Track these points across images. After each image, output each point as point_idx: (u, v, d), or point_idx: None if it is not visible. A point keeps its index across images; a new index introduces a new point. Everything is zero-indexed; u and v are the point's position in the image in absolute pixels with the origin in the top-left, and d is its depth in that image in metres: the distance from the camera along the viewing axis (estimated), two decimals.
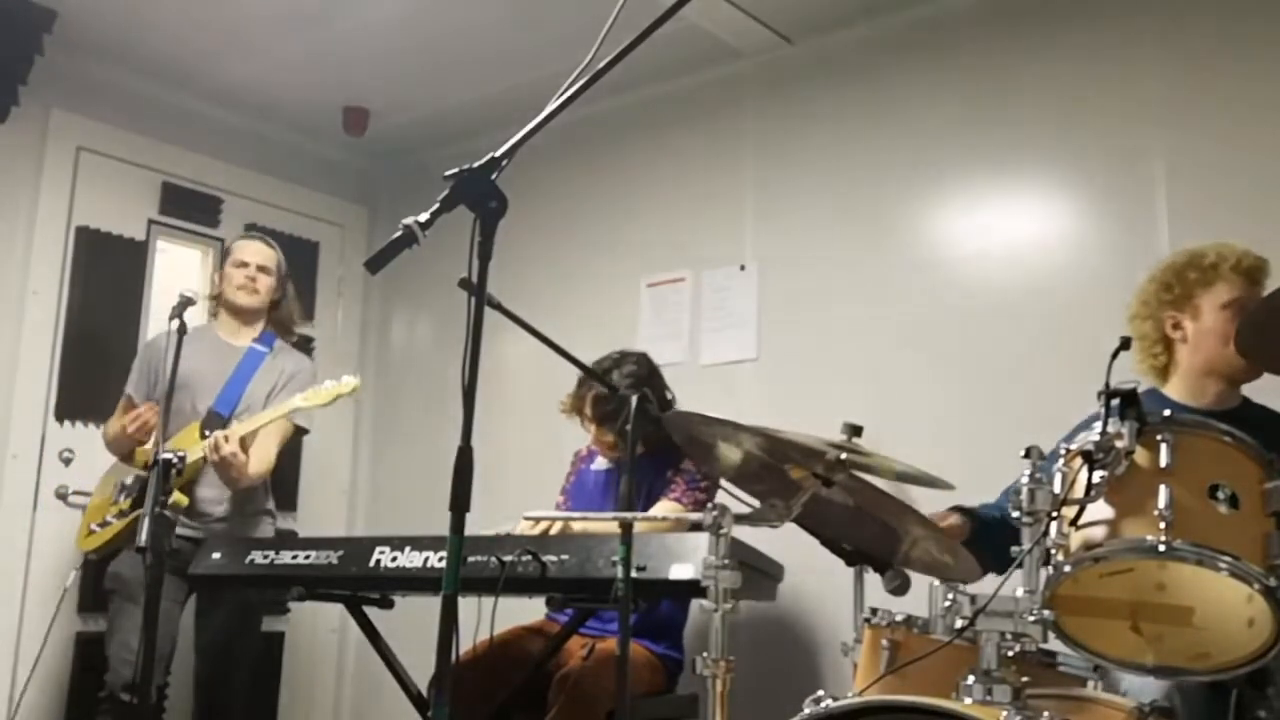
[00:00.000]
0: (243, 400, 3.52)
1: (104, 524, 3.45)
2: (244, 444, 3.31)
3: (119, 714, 3.20)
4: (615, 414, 3.12)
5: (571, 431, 3.41)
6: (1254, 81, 2.96)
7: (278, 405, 3.40)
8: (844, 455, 1.99)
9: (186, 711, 3.60)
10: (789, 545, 2.92)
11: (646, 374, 3.21)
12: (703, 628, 2.86)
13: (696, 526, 2.77)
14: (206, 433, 3.37)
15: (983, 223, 3.37)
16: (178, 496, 3.16)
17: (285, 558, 2.97)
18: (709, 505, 2.00)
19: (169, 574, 2.99)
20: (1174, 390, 2.49)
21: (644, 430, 2.53)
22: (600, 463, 3.39)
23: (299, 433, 3.68)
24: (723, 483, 2.22)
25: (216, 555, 3.12)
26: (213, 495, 3.46)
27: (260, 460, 3.45)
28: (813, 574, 3.09)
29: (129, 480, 3.46)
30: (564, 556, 2.54)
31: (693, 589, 2.29)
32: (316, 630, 4.61)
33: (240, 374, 3.53)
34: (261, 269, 3.66)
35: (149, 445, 3.34)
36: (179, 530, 2.95)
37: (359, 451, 4.90)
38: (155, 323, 4.19)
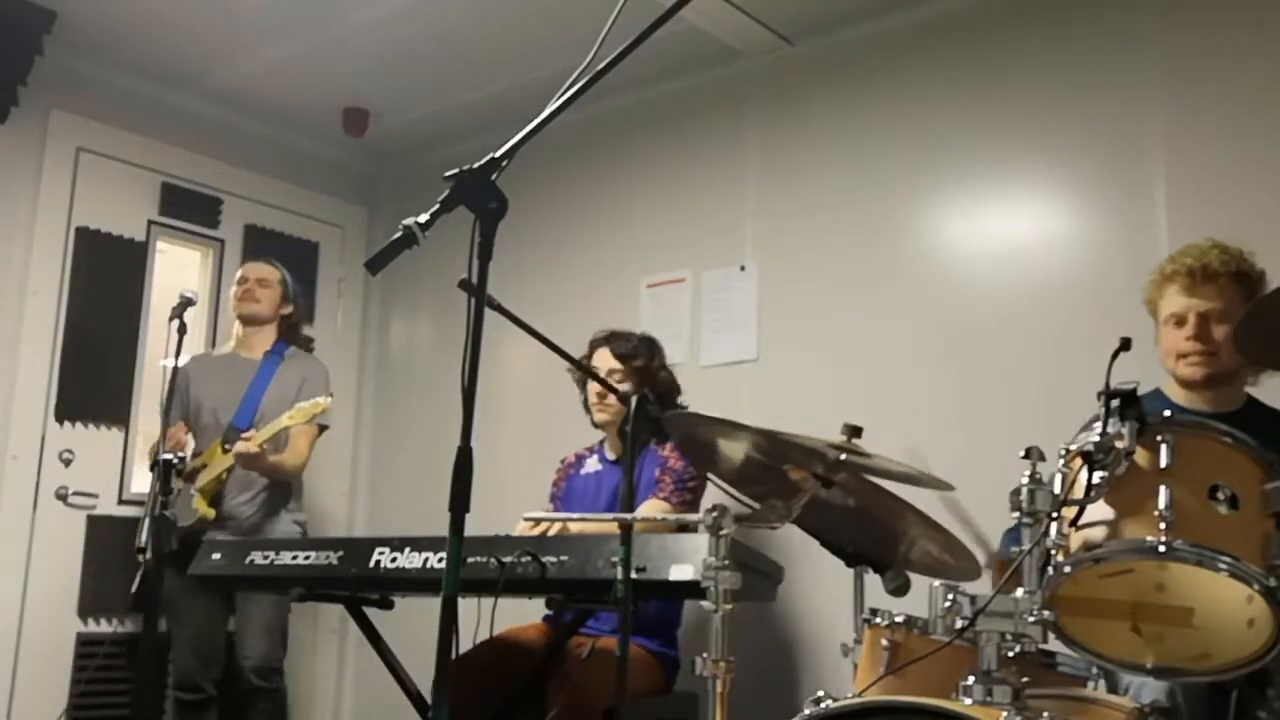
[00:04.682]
0: (259, 410, 3.74)
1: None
2: (262, 446, 3.54)
3: (179, 711, 3.68)
4: (634, 353, 3.25)
5: (571, 432, 3.41)
6: (1254, 81, 2.96)
7: (278, 419, 3.59)
8: (844, 456, 1.99)
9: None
10: (789, 546, 2.92)
11: (650, 347, 3.35)
12: (702, 628, 2.86)
13: (684, 528, 2.79)
14: (227, 446, 3.63)
15: (983, 223, 3.37)
16: (205, 510, 3.57)
17: (285, 558, 2.96)
18: (710, 507, 2.00)
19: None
20: (1175, 391, 2.49)
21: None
22: (590, 465, 3.40)
23: (321, 430, 3.87)
24: (711, 478, 2.21)
25: (216, 556, 3.12)
26: (243, 499, 3.69)
27: (294, 454, 3.74)
28: (812, 575, 3.10)
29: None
30: (563, 557, 2.54)
31: (692, 590, 2.29)
32: (317, 630, 4.61)
33: (255, 387, 3.78)
34: (260, 282, 3.89)
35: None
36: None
37: (359, 452, 4.90)
38: (155, 323, 4.20)
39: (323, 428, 3.85)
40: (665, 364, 3.40)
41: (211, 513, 3.59)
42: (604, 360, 3.29)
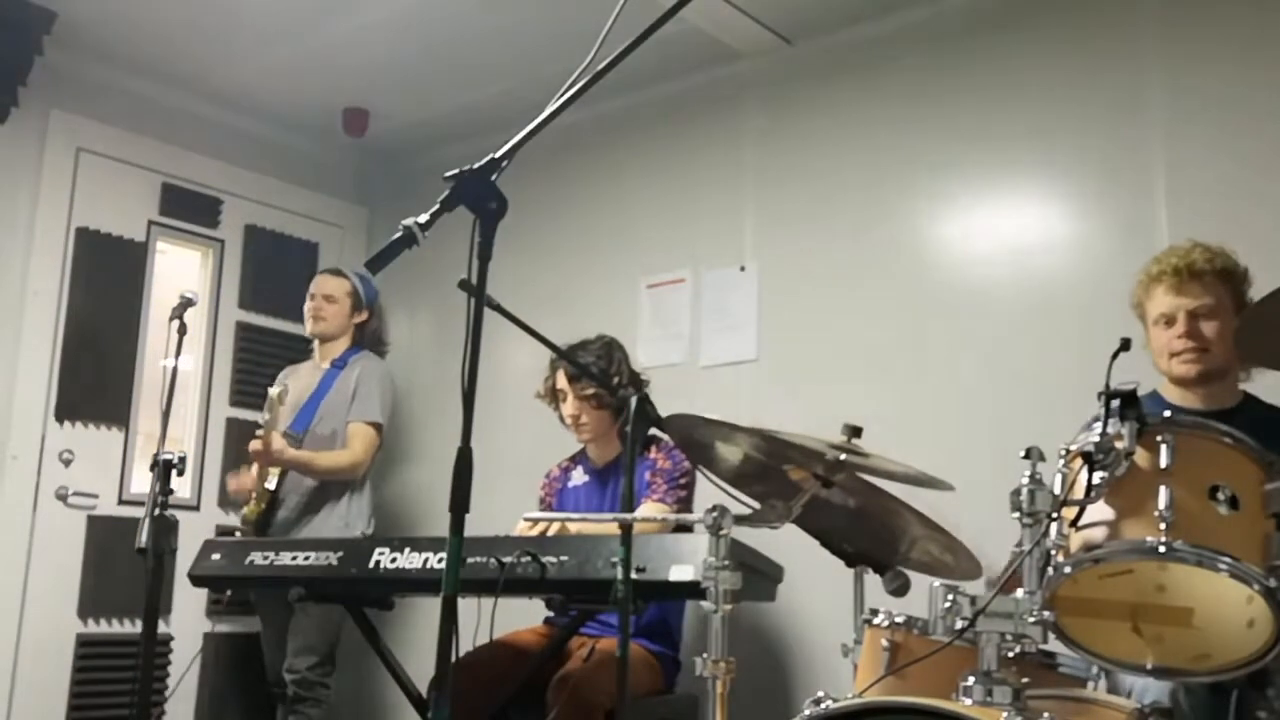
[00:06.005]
0: (316, 416, 3.85)
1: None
2: (265, 438, 3.57)
3: (276, 705, 3.79)
4: (584, 373, 3.11)
5: (570, 433, 3.40)
6: (1254, 81, 2.96)
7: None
8: (843, 456, 1.99)
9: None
10: (789, 546, 2.92)
11: (609, 353, 3.24)
12: (703, 628, 2.86)
13: (683, 528, 2.78)
14: None
15: (983, 223, 3.37)
16: (248, 510, 3.75)
17: (285, 558, 2.96)
18: (710, 507, 1.99)
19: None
20: (1170, 391, 2.49)
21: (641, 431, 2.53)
22: (576, 477, 3.38)
23: (377, 428, 3.87)
24: (710, 478, 2.20)
25: (215, 556, 3.12)
26: (291, 503, 3.76)
27: (340, 454, 3.78)
28: (812, 575, 3.09)
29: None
30: (563, 558, 2.54)
31: (693, 590, 2.29)
32: None
33: (315, 395, 3.87)
34: (326, 298, 3.95)
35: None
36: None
37: None
38: (155, 323, 4.20)
39: (378, 426, 3.84)
40: (625, 370, 3.26)
41: (253, 513, 3.69)
42: (561, 381, 3.27)
